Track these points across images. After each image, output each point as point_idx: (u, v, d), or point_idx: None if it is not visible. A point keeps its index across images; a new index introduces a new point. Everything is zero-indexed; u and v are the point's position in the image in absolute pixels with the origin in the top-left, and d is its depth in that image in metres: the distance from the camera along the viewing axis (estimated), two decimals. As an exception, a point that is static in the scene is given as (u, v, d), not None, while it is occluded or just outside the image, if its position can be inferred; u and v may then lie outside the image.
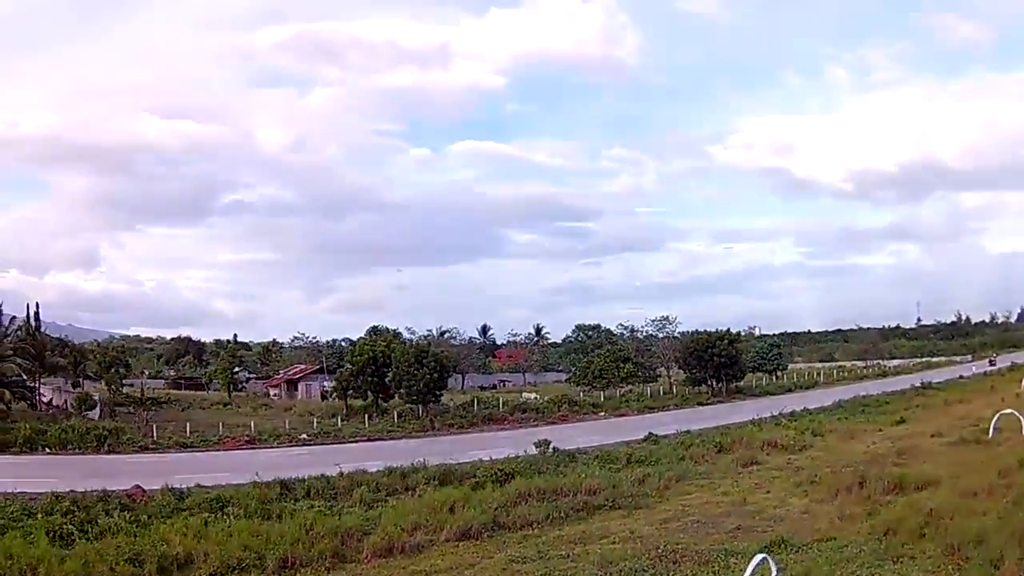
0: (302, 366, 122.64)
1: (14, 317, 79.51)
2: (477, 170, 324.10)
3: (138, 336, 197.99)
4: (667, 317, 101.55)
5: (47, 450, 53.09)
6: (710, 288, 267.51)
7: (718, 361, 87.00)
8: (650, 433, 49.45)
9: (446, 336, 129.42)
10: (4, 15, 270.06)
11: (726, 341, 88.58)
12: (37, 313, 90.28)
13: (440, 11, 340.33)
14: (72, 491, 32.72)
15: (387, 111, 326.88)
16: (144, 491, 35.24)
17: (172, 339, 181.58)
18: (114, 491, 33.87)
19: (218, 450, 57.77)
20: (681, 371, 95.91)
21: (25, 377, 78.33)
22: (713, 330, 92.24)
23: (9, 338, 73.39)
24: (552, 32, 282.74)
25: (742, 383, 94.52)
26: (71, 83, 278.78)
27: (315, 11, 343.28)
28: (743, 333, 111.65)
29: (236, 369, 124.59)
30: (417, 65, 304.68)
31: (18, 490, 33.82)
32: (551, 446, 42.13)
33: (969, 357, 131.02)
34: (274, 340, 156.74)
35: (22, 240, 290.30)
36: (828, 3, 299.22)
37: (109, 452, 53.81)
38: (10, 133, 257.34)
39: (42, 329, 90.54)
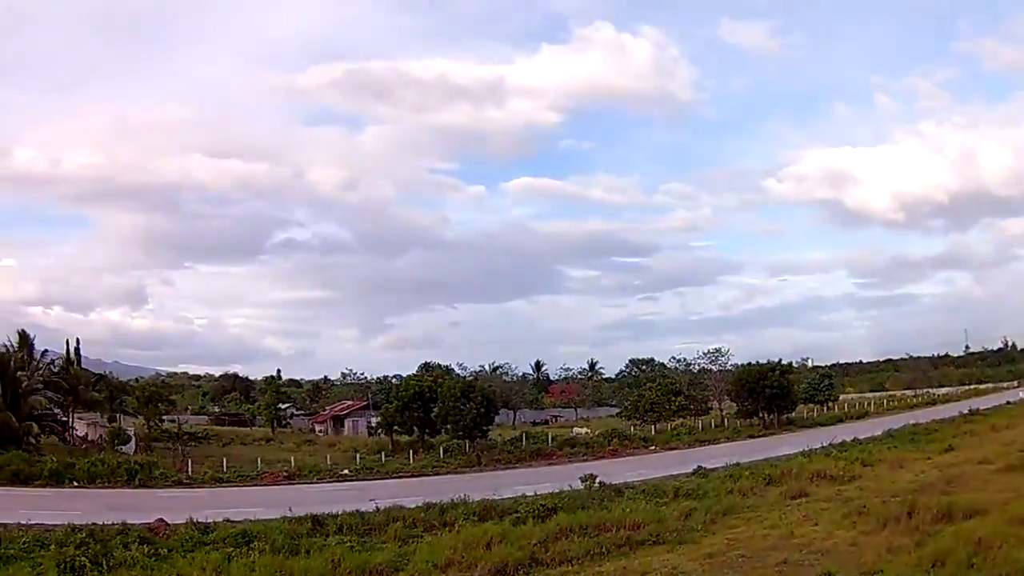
0: (349, 402, 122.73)
1: (46, 351, 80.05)
2: (533, 207, 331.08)
3: (186, 373, 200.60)
4: (719, 350, 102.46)
5: (74, 483, 52.77)
6: (765, 321, 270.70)
7: (770, 393, 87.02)
8: (699, 466, 49.37)
9: (499, 372, 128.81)
10: (45, 52, 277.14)
11: (778, 372, 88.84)
12: (77, 349, 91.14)
13: (492, 49, 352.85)
14: (92, 523, 32.33)
15: (441, 149, 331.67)
16: (167, 524, 34.80)
17: (220, 376, 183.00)
18: (135, 524, 33.52)
19: (255, 485, 57.47)
20: (733, 404, 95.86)
21: (58, 411, 78.98)
22: (765, 362, 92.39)
23: (40, 372, 73.64)
24: (604, 67, 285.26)
25: (793, 414, 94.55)
26: (115, 121, 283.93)
27: (364, 49, 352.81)
28: (795, 365, 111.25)
29: (283, 405, 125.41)
30: (470, 103, 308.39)
31: (33, 522, 33.45)
32: (597, 480, 41.67)
33: (1015, 383, 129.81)
34: (325, 377, 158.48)
35: (65, 278, 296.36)
36: (873, 32, 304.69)
37: (140, 486, 53.59)
38: (52, 171, 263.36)
39: (82, 365, 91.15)
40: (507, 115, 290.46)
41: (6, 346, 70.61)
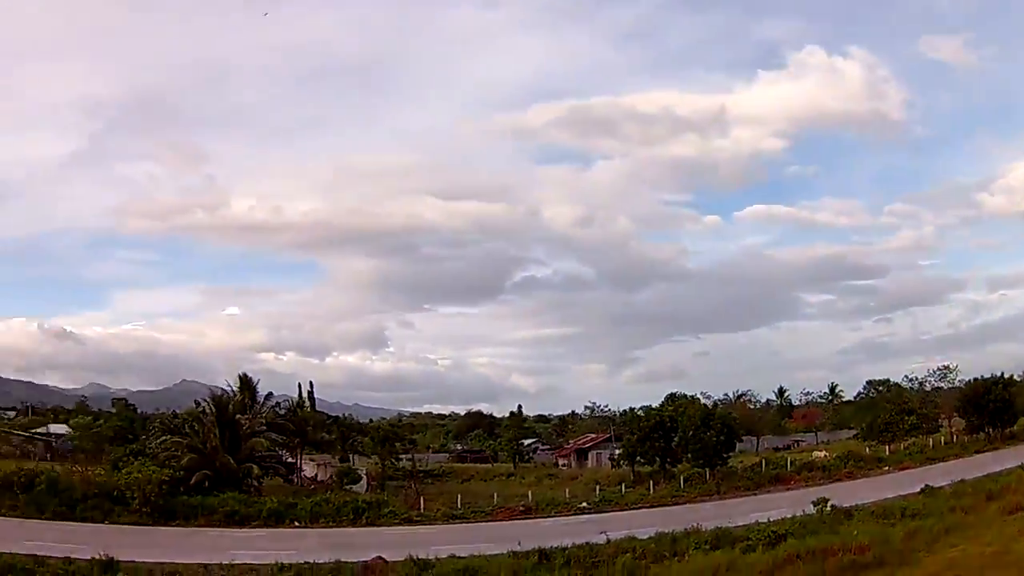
0: (592, 435, 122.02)
1: (270, 394, 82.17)
2: (767, 234, 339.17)
3: (430, 413, 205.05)
4: (947, 367, 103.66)
5: (295, 523, 53.42)
6: (989, 336, 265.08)
7: (993, 407, 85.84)
8: (926, 485, 48.94)
9: (743, 399, 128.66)
10: (262, 104, 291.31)
11: (1000, 387, 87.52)
12: (311, 392, 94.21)
13: (710, 79, 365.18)
14: (303, 562, 32.01)
15: (672, 181, 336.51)
16: (385, 562, 34.42)
17: (465, 414, 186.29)
18: (350, 562, 33.15)
19: (489, 521, 57.21)
20: (961, 420, 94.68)
21: (284, 453, 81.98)
22: (990, 376, 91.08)
23: (263, 415, 75.46)
24: (820, 91, 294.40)
25: (1015, 427, 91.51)
26: (340, 168, 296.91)
27: (584, 87, 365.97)
28: (1018, 378, 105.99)
29: (527, 440, 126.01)
30: (696, 133, 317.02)
31: (238, 561, 33.37)
32: (828, 504, 42.05)
33: None
34: (572, 411, 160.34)
35: (297, 323, 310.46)
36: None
37: (366, 525, 53.90)
38: (274, 219, 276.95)
39: (317, 407, 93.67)
40: (733, 144, 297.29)
41: (225, 390, 73.02)
